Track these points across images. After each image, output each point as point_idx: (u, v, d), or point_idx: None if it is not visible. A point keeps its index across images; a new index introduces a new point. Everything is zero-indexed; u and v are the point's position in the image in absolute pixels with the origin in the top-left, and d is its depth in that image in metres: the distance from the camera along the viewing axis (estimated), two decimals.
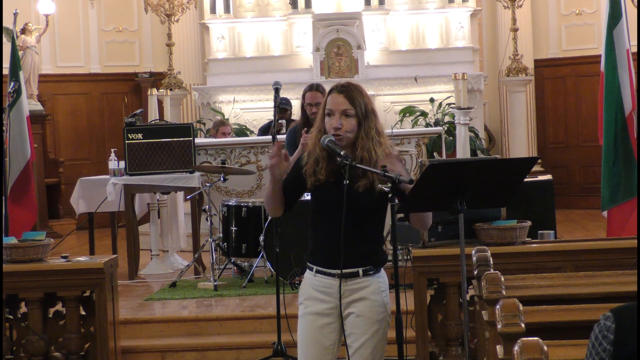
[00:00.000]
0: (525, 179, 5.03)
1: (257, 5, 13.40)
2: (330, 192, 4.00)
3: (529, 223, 5.90)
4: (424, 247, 5.88)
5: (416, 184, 4.00)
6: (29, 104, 9.41)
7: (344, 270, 3.98)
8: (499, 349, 3.53)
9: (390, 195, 3.91)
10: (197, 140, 9.29)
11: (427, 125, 11.74)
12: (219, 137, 10.00)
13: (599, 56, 7.79)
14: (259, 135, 10.37)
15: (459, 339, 5.92)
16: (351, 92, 4.02)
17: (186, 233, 9.88)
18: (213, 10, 13.23)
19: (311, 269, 4.09)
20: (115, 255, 6.73)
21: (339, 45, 12.68)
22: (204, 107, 12.82)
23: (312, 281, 4.08)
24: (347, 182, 3.93)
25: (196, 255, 8.78)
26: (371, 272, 4.04)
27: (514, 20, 13.06)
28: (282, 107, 7.17)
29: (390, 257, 4.10)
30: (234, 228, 8.26)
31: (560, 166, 13.89)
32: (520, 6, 13.10)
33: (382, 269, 4.12)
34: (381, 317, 4.06)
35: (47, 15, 13.07)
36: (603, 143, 7.40)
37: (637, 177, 7.08)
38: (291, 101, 9.95)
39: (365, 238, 4.04)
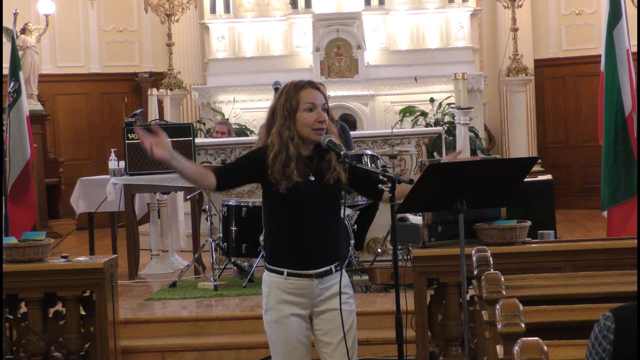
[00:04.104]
0: (525, 179, 5.02)
1: (257, 5, 13.40)
2: (305, 191, 4.00)
3: (529, 223, 5.89)
4: (424, 247, 5.88)
5: (416, 184, 4.00)
6: (29, 104, 9.40)
7: (318, 270, 4.02)
8: (499, 349, 3.52)
9: (390, 195, 3.92)
10: (197, 140, 9.29)
11: (427, 125, 11.74)
12: (215, 137, 10.03)
13: (599, 56, 7.79)
14: (260, 131, 10.36)
15: (459, 339, 5.92)
16: (322, 88, 4.12)
17: (186, 233, 9.88)
18: (213, 10, 13.23)
19: (281, 273, 4.03)
20: (115, 255, 6.72)
21: (339, 45, 12.68)
22: (204, 107, 12.83)
23: (283, 285, 4.03)
24: (346, 180, 3.98)
25: (196, 255, 8.78)
26: (338, 268, 4.09)
27: (514, 20, 13.06)
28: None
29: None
30: (234, 228, 8.26)
31: (560, 166, 13.88)
32: (520, 6, 13.10)
33: None
34: (353, 309, 4.13)
35: (47, 15, 13.07)
36: (603, 143, 7.40)
37: (637, 177, 7.08)
38: None
39: (334, 232, 4.08)
